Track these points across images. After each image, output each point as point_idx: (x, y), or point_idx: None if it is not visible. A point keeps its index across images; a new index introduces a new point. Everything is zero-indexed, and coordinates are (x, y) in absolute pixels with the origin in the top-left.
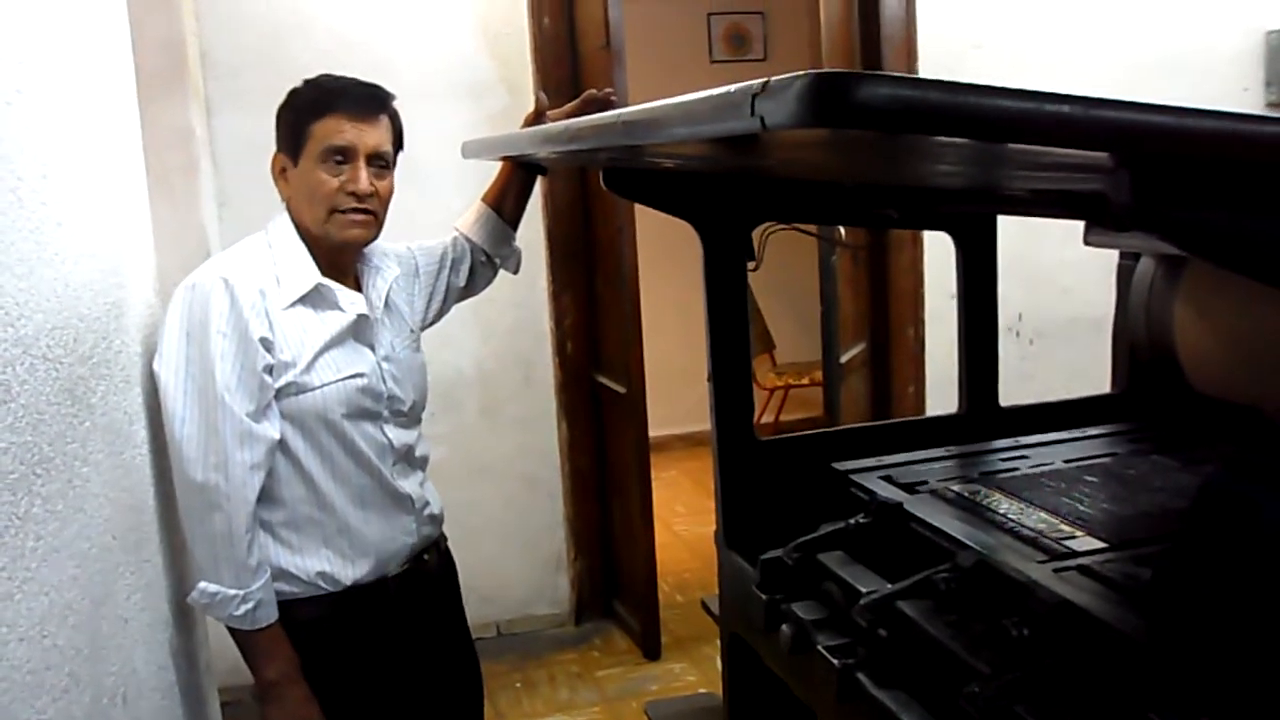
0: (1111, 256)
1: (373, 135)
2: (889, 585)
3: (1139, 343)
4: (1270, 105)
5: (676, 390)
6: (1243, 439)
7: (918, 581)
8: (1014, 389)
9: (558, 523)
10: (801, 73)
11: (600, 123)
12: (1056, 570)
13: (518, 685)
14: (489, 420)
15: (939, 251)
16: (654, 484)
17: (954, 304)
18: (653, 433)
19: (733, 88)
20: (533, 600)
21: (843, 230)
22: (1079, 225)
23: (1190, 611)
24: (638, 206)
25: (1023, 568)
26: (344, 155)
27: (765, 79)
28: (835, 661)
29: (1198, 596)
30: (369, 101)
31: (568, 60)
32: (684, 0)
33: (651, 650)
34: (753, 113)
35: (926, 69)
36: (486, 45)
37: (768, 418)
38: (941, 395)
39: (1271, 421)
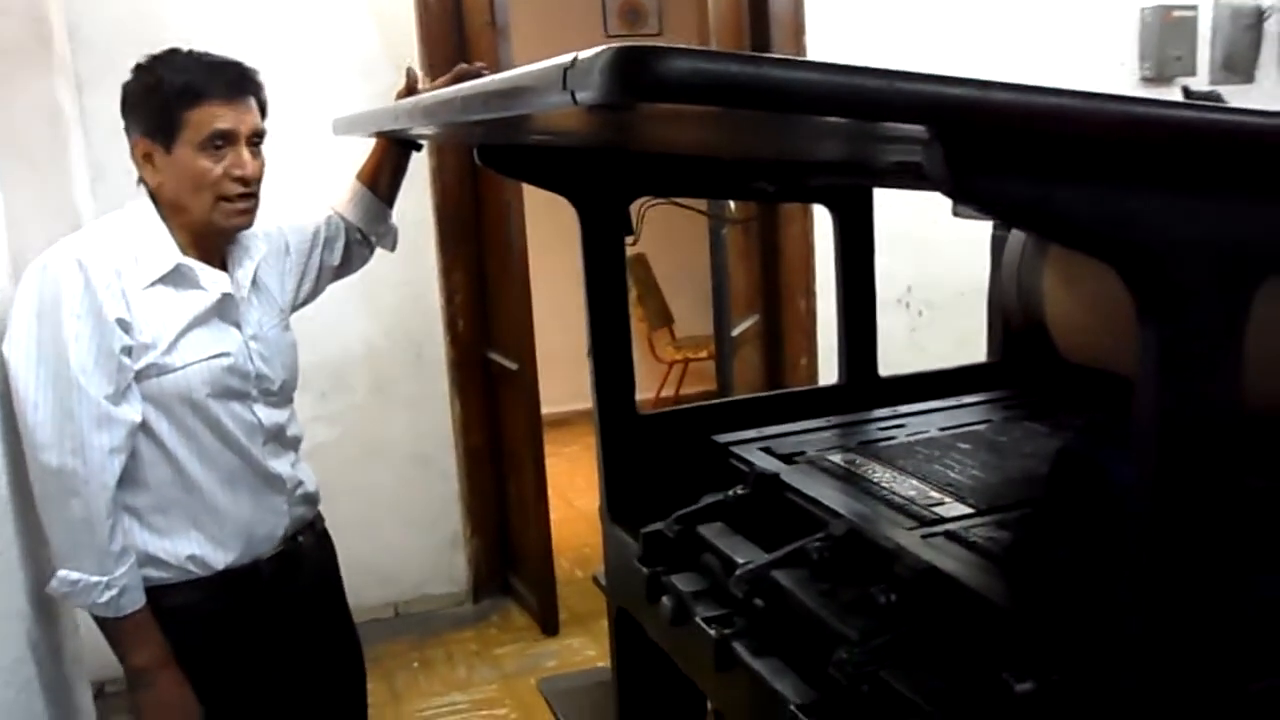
0: (988, 227)
1: (250, 116)
2: (765, 556)
3: (1011, 312)
4: (1144, 80)
5: (579, 366)
6: (1109, 405)
7: (792, 551)
8: (906, 359)
9: (453, 501)
10: (605, 48)
11: (441, 99)
12: (924, 536)
13: (415, 665)
14: (380, 399)
15: (827, 223)
16: (556, 459)
17: None
18: (555, 409)
19: (547, 63)
20: (430, 579)
21: (732, 204)
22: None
23: (1046, 573)
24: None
25: (892, 535)
26: (225, 140)
27: (574, 55)
28: (712, 632)
29: (1053, 558)
30: (241, 82)
31: (453, 37)
32: None
33: (549, 626)
34: (564, 87)
35: (815, 49)
36: (373, 22)
37: (668, 391)
38: (833, 365)
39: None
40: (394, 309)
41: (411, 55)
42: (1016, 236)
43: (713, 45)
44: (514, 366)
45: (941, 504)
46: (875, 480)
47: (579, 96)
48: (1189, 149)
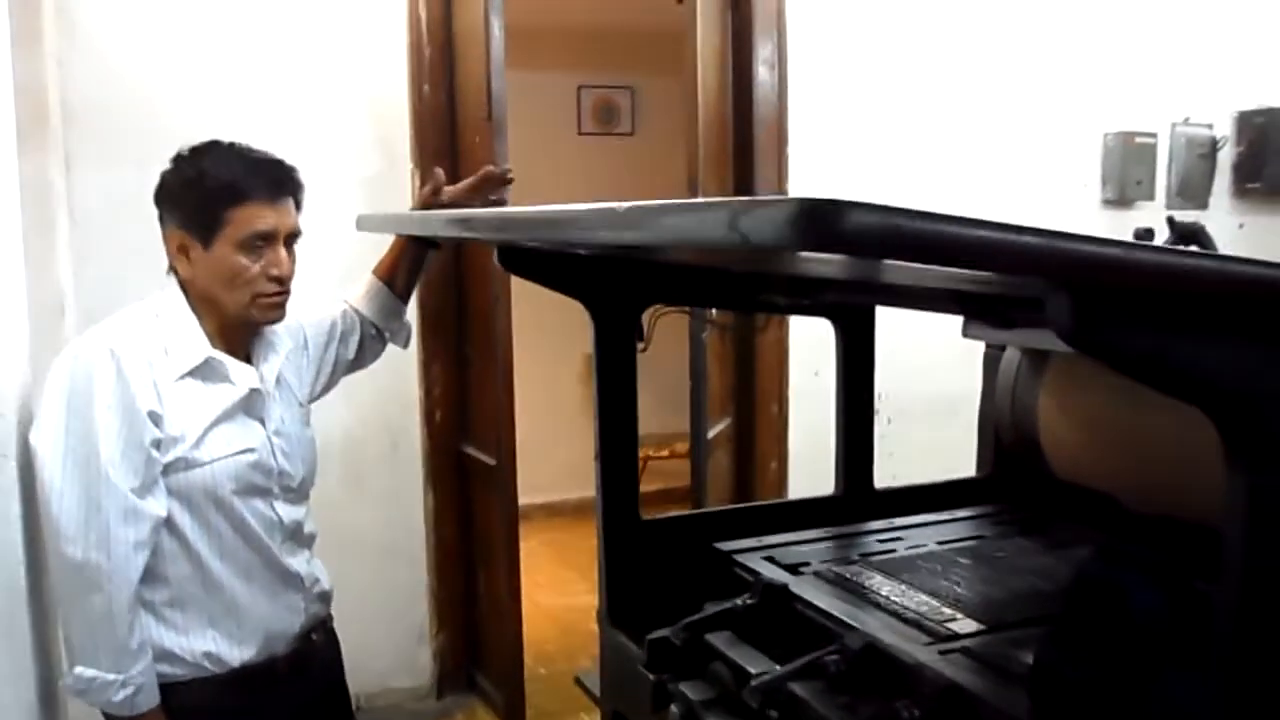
0: (965, 341)
1: (289, 216)
2: (778, 667)
3: (1004, 428)
4: (1106, 202)
5: (536, 460)
6: (1098, 524)
7: (808, 663)
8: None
9: (420, 594)
10: (787, 196)
11: (572, 217)
12: (942, 652)
13: None
14: (354, 488)
15: (802, 330)
16: None
17: (817, 381)
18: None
19: (713, 202)
20: (393, 673)
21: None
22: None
23: (1069, 693)
24: (514, 278)
25: (910, 650)
26: (265, 240)
27: (750, 198)
28: None
29: (1074, 679)
30: (284, 182)
31: (446, 129)
32: (555, 72)
33: None
34: (733, 228)
35: (796, 153)
36: (365, 110)
37: None
38: (802, 472)
39: (1123, 508)
40: (372, 398)
41: (403, 145)
42: (1010, 356)
43: (700, 149)
44: (491, 461)
45: (954, 620)
46: (884, 594)
47: (753, 239)
48: None
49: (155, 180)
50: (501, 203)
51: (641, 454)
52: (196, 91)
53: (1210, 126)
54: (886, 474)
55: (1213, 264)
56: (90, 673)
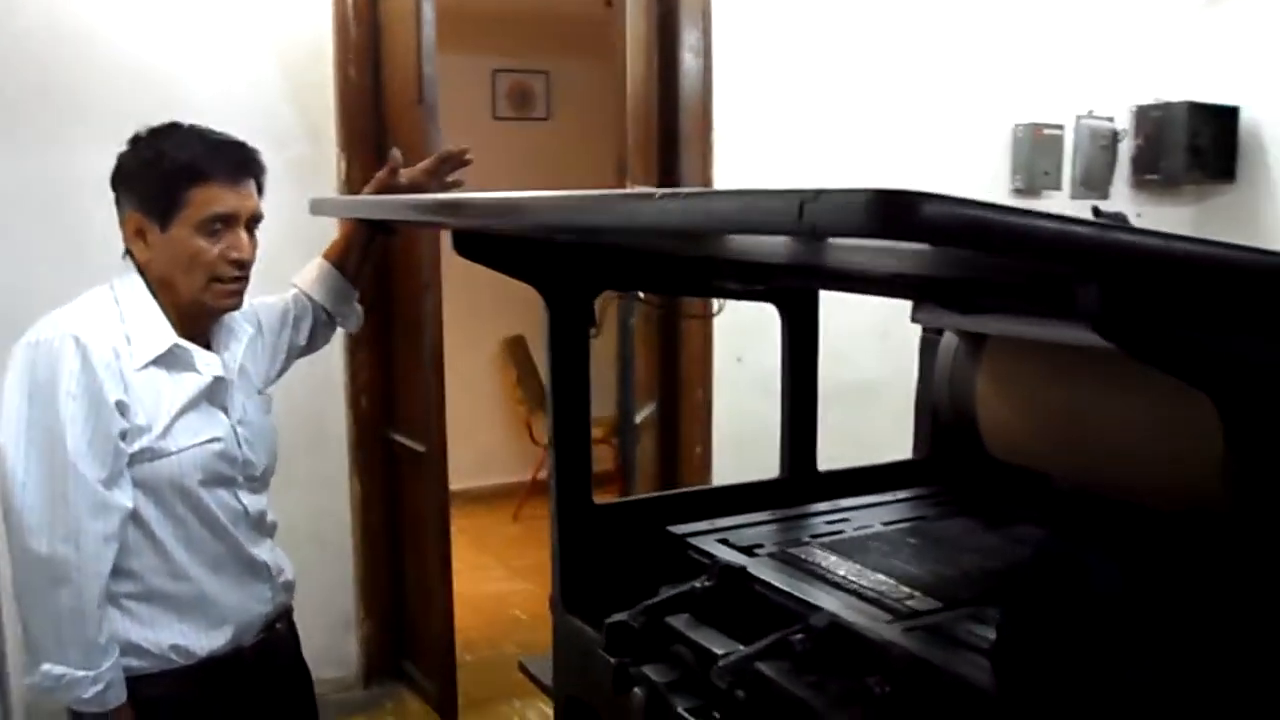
0: (881, 326)
1: (250, 199)
2: (742, 647)
3: (942, 411)
4: (1015, 191)
5: (452, 446)
6: (1034, 503)
7: (773, 642)
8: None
9: (347, 583)
10: (852, 187)
11: (628, 202)
12: (906, 630)
13: None
14: (279, 476)
15: (727, 317)
16: None
17: (740, 368)
18: None
19: (778, 191)
20: (319, 663)
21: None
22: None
23: (1033, 666)
24: (443, 262)
25: (874, 628)
26: (224, 223)
27: (818, 189)
28: None
29: (1038, 652)
30: (246, 165)
31: (373, 111)
32: (470, 55)
33: (448, 712)
34: (801, 218)
35: (721, 138)
36: (288, 91)
37: (542, 474)
38: (726, 456)
39: (1057, 486)
40: (296, 386)
41: (328, 128)
42: (948, 340)
43: (629, 133)
44: (420, 448)
45: (911, 597)
46: (841, 574)
47: (820, 228)
48: None
49: (65, 162)
50: (459, 184)
51: None
52: (114, 71)
53: (1111, 120)
54: None
55: (1251, 256)
56: (59, 670)
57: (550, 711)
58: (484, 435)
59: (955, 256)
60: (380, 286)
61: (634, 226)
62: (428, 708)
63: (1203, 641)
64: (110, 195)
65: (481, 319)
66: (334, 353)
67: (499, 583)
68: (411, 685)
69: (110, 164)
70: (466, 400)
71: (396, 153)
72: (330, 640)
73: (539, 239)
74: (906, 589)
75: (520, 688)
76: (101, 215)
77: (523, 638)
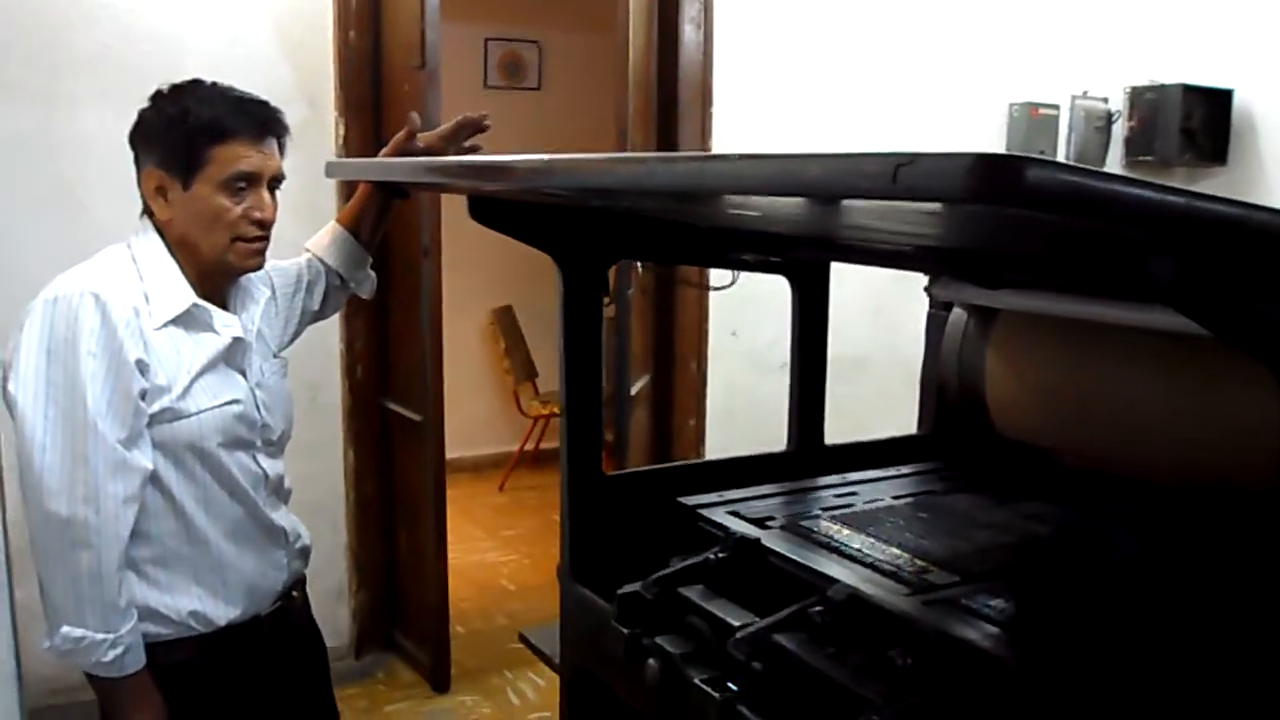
0: (873, 302)
1: (274, 159)
2: (760, 619)
3: (949, 387)
4: None
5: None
6: (1041, 478)
7: (791, 614)
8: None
9: (340, 553)
10: (959, 150)
11: (700, 163)
12: (925, 603)
13: None
14: None
15: (721, 290)
16: None
17: (734, 341)
18: None
19: (871, 154)
20: None
21: (639, 265)
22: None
23: (1055, 639)
24: (444, 233)
25: (894, 601)
26: (247, 181)
27: (914, 153)
28: (715, 694)
29: (1060, 625)
30: (270, 124)
31: (371, 76)
32: (462, 24)
33: (441, 683)
34: (894, 182)
35: (719, 109)
36: (286, 53)
37: (529, 445)
38: (719, 429)
39: (1061, 463)
40: (293, 351)
41: (326, 91)
42: (956, 316)
43: (629, 104)
44: (417, 418)
45: (928, 571)
46: (855, 547)
47: (916, 192)
48: None
49: (63, 120)
50: (476, 149)
51: (546, 410)
52: (108, 30)
53: (1105, 100)
54: None
55: None
56: (78, 632)
57: (542, 682)
58: (471, 405)
59: (1008, 227)
60: (377, 253)
61: (701, 189)
62: (420, 678)
63: (1219, 616)
64: (106, 153)
65: (471, 289)
66: (329, 320)
67: (488, 554)
68: (403, 655)
69: (105, 123)
70: (454, 370)
71: (415, 116)
72: (323, 611)
73: (557, 206)
74: (922, 562)
75: (512, 658)
76: (97, 173)
77: (512, 608)
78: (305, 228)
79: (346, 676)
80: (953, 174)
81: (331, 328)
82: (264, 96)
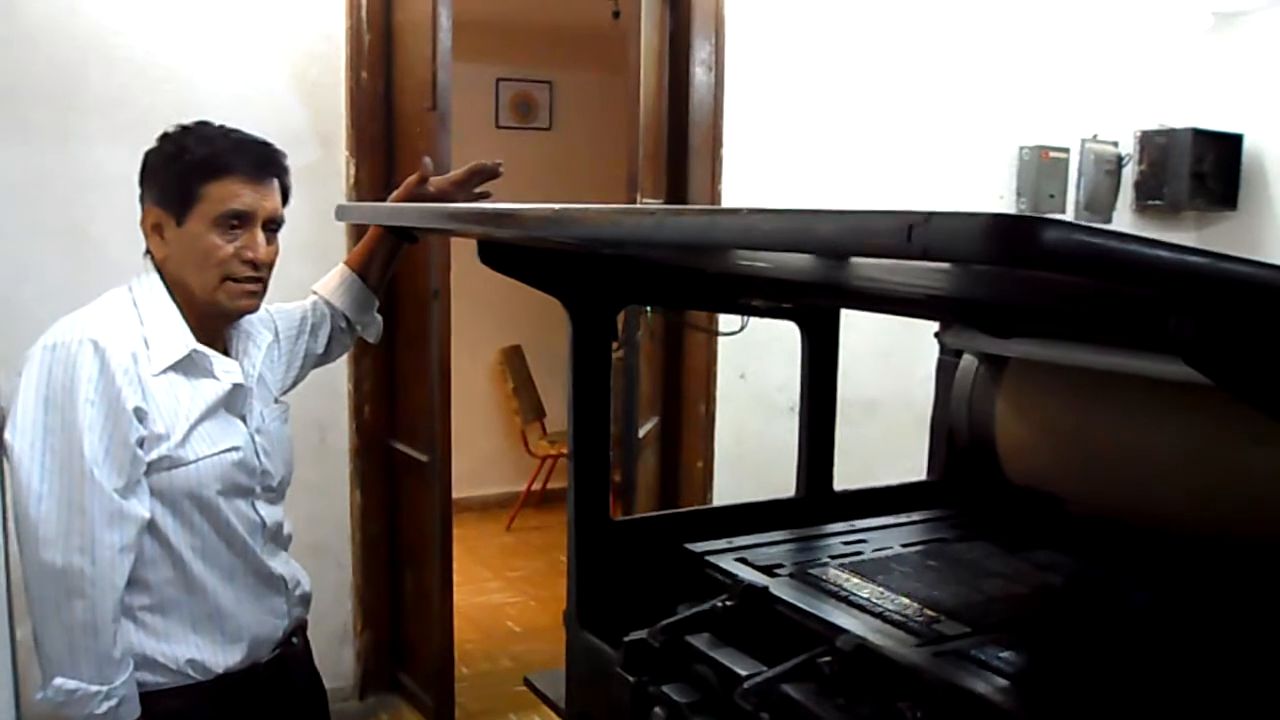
0: (884, 347)
1: (270, 199)
2: (766, 668)
3: (959, 433)
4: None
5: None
6: (1052, 527)
7: (799, 664)
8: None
9: (345, 593)
10: (974, 211)
11: (711, 217)
12: (935, 654)
13: None
14: None
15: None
16: None
17: (743, 384)
18: None
19: (885, 212)
20: None
21: (648, 309)
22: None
23: (1067, 693)
24: (454, 273)
25: (903, 652)
26: (240, 220)
27: (928, 212)
28: None
29: (1071, 677)
30: (267, 164)
31: (383, 117)
32: (474, 64)
33: None
34: (909, 241)
35: (730, 153)
36: (300, 94)
37: (536, 485)
38: (727, 472)
39: (1071, 512)
40: (300, 392)
41: (338, 132)
42: (967, 363)
43: (640, 147)
44: (423, 458)
45: (938, 621)
46: (864, 596)
47: (931, 253)
48: None
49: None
50: (486, 196)
51: (554, 450)
52: (125, 71)
53: (1116, 144)
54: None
55: None
56: (71, 684)
57: None
58: (478, 445)
59: (1024, 282)
60: (384, 293)
61: (709, 243)
62: (423, 719)
63: (1231, 669)
64: (120, 194)
65: (479, 329)
66: (339, 361)
67: (493, 595)
68: (407, 697)
69: (120, 163)
70: (461, 409)
71: (428, 161)
72: (327, 651)
73: (567, 251)
74: (931, 612)
75: (516, 701)
76: (109, 213)
77: (517, 650)
78: (314, 268)
79: (350, 718)
80: (968, 235)
81: (340, 368)
82: (277, 137)
